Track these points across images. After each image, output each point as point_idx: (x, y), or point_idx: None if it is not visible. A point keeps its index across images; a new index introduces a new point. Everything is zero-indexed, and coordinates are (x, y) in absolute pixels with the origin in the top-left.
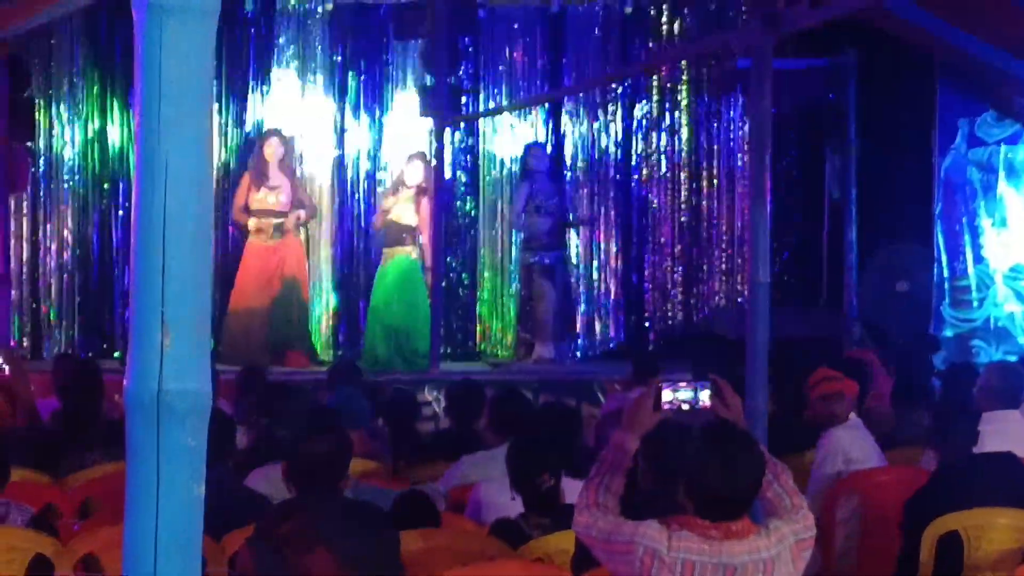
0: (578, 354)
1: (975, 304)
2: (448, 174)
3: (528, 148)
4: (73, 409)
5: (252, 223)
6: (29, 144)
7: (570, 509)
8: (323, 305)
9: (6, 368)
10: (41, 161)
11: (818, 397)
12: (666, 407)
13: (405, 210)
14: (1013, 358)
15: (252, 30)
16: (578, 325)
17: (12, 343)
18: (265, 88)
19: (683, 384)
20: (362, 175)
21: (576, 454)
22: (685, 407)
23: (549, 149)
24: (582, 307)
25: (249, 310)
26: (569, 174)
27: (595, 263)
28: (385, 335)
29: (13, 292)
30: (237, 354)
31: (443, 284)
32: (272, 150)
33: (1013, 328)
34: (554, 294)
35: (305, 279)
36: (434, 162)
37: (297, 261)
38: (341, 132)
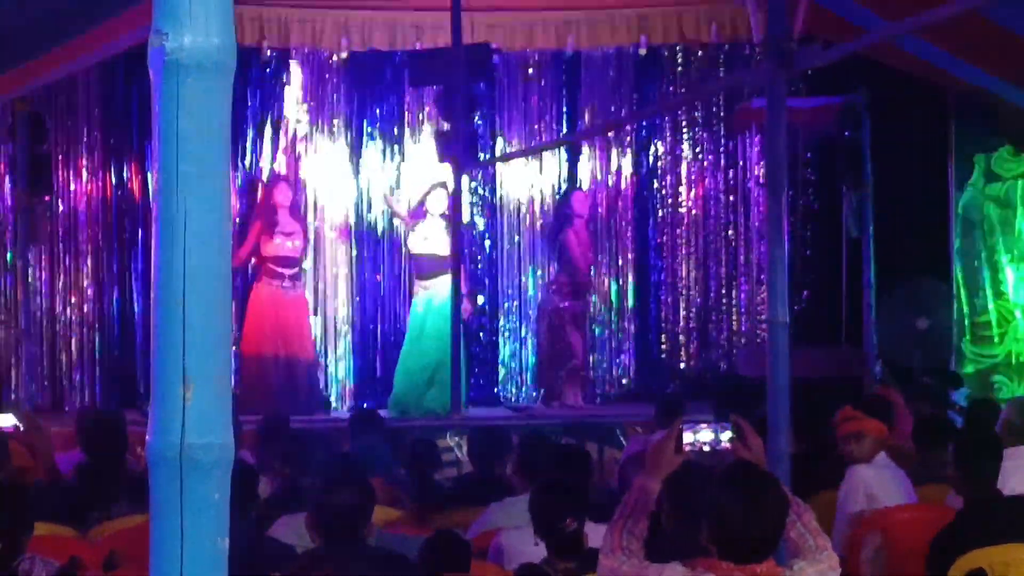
0: (599, 398)
1: (996, 339)
2: (467, 218)
3: (570, 194)
4: (97, 462)
5: (265, 269)
6: (48, 198)
7: (594, 553)
8: (342, 352)
9: (21, 425)
10: (60, 215)
11: (841, 437)
12: (687, 449)
13: (438, 240)
14: None
15: (269, 79)
16: (599, 369)
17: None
18: (281, 136)
19: (704, 426)
20: (380, 222)
21: (587, 497)
22: (706, 449)
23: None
24: (601, 350)
25: (260, 357)
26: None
27: (614, 305)
28: (419, 376)
29: (33, 346)
30: (252, 401)
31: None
32: (282, 196)
33: None
34: (580, 340)
35: (308, 334)
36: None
37: (302, 315)
38: (358, 179)
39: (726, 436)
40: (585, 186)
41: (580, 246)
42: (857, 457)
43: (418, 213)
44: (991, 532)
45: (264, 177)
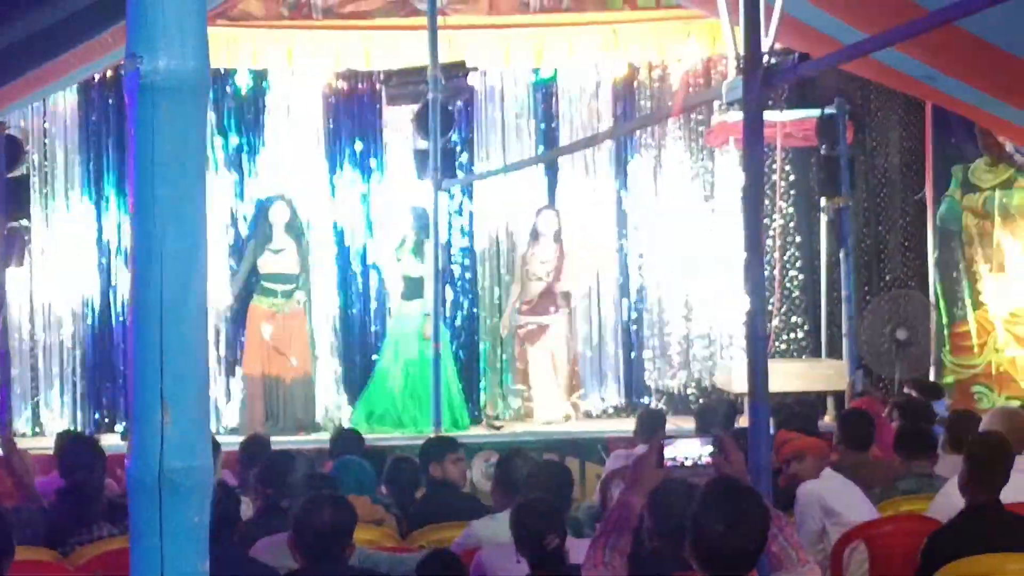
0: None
1: (975, 350)
2: (444, 237)
3: (537, 212)
4: (76, 486)
5: (259, 286)
6: (25, 221)
7: (576, 569)
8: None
9: (0, 450)
10: (37, 237)
11: (783, 461)
12: (669, 464)
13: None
14: (1016, 403)
15: (246, 100)
16: (579, 385)
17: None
18: (260, 157)
19: (685, 440)
20: (357, 240)
21: (568, 512)
22: (688, 463)
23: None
24: (583, 366)
25: (258, 376)
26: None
27: (595, 321)
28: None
29: (12, 369)
30: (253, 420)
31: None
32: (277, 214)
33: (1015, 373)
34: (543, 358)
35: (303, 350)
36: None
37: (296, 331)
38: (335, 198)
39: (707, 451)
40: (564, 205)
41: (544, 263)
42: (803, 476)
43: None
44: (984, 540)
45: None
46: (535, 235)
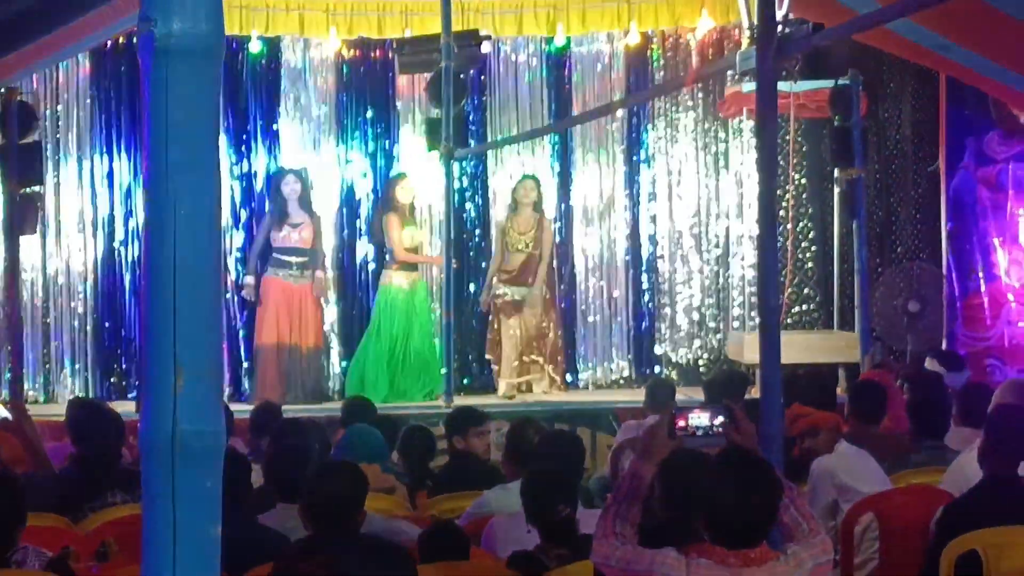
0: (591, 385)
1: (988, 322)
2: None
3: (519, 181)
4: (88, 453)
5: (273, 259)
6: (38, 188)
7: (587, 539)
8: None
9: (10, 416)
10: (50, 204)
11: (796, 436)
12: (680, 434)
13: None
14: None
15: (258, 68)
16: (589, 355)
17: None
18: (272, 126)
19: (697, 411)
20: (366, 209)
21: (579, 482)
22: (699, 434)
23: (553, 179)
24: (593, 337)
25: (272, 346)
26: (576, 206)
27: (605, 292)
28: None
29: (25, 336)
30: (264, 390)
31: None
32: (290, 188)
33: None
34: (518, 329)
35: (316, 323)
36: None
37: (309, 304)
38: (348, 167)
39: (718, 421)
40: (577, 176)
41: (524, 234)
42: (817, 451)
43: None
44: (1001, 513)
45: (270, 170)
46: (514, 205)
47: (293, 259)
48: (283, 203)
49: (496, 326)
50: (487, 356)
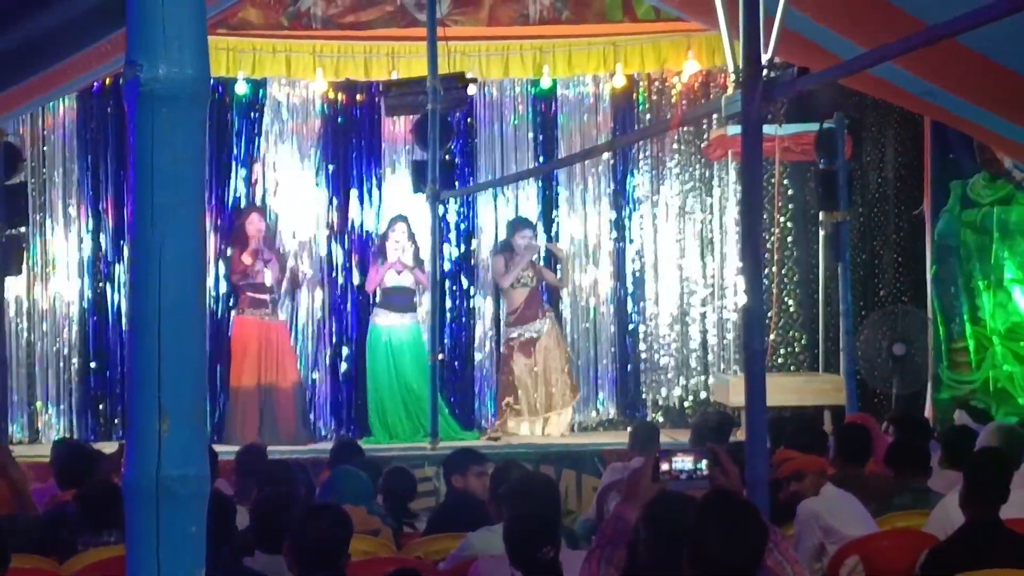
0: (576, 427)
1: (973, 366)
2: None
3: (514, 225)
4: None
5: (248, 299)
6: (23, 228)
7: None
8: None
9: None
10: (35, 245)
11: (782, 479)
12: (664, 478)
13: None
14: (1013, 419)
15: (245, 108)
16: (575, 397)
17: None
18: (257, 167)
19: (680, 454)
20: (355, 250)
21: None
22: (683, 477)
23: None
24: (578, 379)
25: (247, 388)
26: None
27: (591, 334)
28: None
29: (9, 377)
30: (241, 432)
31: (440, 358)
32: (253, 226)
33: (1012, 389)
34: (542, 365)
35: (290, 362)
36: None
37: (284, 342)
38: (333, 208)
39: (702, 464)
40: (563, 219)
41: (525, 270)
42: (802, 495)
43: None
44: (984, 557)
45: (240, 206)
46: (510, 248)
47: (265, 296)
48: (246, 240)
49: (511, 366)
50: (505, 400)
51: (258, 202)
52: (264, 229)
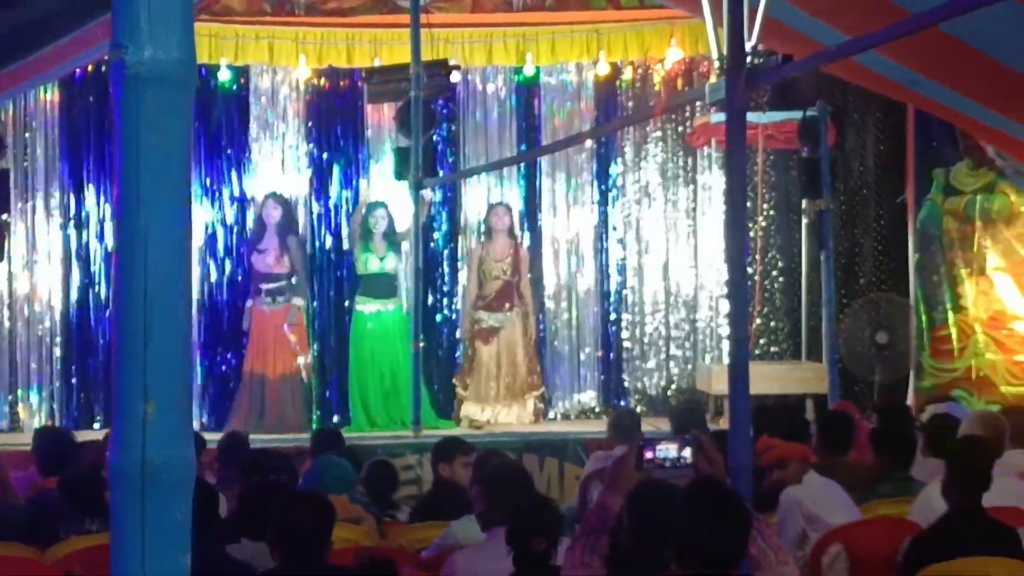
0: (559, 415)
1: (956, 354)
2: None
3: (489, 207)
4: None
5: (254, 287)
6: (5, 216)
7: (557, 571)
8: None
9: None
10: (18, 232)
11: (765, 467)
12: (647, 466)
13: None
14: (996, 407)
15: (228, 96)
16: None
17: None
18: (242, 154)
19: (664, 442)
20: (341, 237)
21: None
22: (667, 465)
23: (520, 209)
24: (561, 367)
25: (249, 374)
26: (545, 235)
27: (574, 323)
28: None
29: None
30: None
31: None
32: (266, 213)
33: (995, 377)
34: (495, 356)
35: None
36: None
37: (281, 331)
38: (314, 194)
39: (687, 452)
40: (545, 206)
41: (500, 261)
42: (785, 483)
43: None
44: (966, 545)
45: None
46: (488, 232)
47: (264, 285)
48: (260, 228)
49: (471, 352)
50: (454, 381)
51: (239, 191)
52: (278, 216)
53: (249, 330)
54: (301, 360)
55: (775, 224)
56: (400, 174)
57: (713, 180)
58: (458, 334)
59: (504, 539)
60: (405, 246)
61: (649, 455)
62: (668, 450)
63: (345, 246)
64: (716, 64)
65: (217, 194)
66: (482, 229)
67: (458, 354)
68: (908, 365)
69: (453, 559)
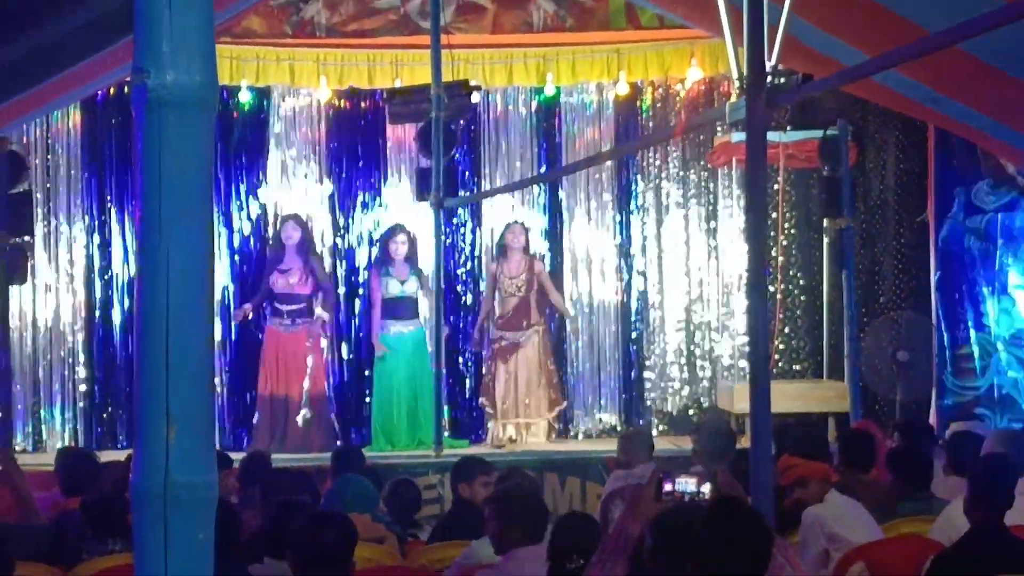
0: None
1: (978, 372)
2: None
3: (507, 226)
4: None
5: (272, 308)
6: (28, 237)
7: None
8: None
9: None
10: (40, 254)
11: (786, 487)
12: (667, 498)
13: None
14: (1018, 425)
15: (248, 117)
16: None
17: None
18: (262, 175)
19: (684, 476)
20: (361, 258)
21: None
22: (686, 499)
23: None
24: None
25: (267, 396)
26: (566, 254)
27: (594, 341)
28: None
29: (14, 386)
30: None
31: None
32: (285, 234)
33: (1017, 395)
34: (513, 373)
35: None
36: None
37: (300, 353)
38: (336, 216)
39: (706, 488)
40: (566, 226)
41: (514, 279)
42: (807, 501)
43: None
44: (989, 563)
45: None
46: (503, 250)
47: (284, 307)
48: (280, 249)
49: (493, 370)
50: (481, 400)
51: (259, 211)
52: (299, 237)
53: (262, 350)
54: (320, 378)
55: (796, 243)
56: (421, 195)
57: (734, 199)
58: (483, 354)
59: (522, 559)
60: (427, 268)
61: (668, 487)
62: (687, 484)
63: (362, 267)
64: (736, 84)
65: (238, 214)
66: (498, 247)
67: (482, 371)
68: (930, 384)
69: None
